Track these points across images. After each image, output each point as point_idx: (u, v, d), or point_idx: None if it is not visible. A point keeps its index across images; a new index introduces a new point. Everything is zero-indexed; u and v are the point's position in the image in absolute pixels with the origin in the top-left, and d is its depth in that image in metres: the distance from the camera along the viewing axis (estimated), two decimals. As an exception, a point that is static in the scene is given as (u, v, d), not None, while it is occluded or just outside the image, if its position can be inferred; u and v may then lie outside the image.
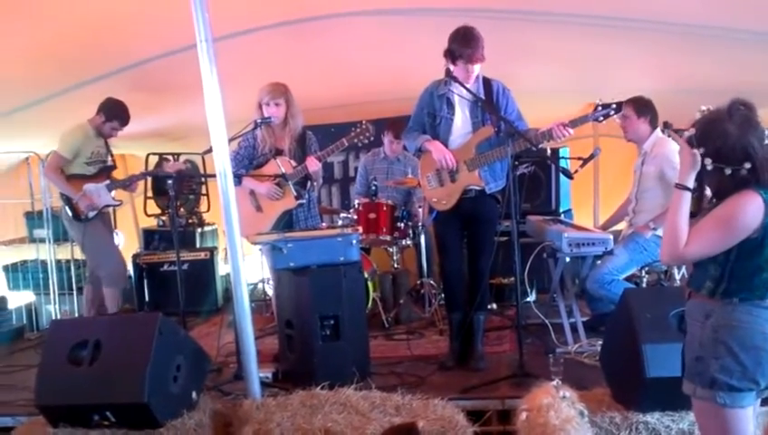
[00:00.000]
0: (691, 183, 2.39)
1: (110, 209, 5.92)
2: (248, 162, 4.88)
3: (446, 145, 4.42)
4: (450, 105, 4.44)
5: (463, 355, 4.56)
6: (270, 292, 5.74)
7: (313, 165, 4.72)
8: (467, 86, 4.31)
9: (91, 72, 5.42)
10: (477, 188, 4.42)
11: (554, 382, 3.28)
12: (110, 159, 5.69)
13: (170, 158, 6.68)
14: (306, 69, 5.95)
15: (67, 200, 5.45)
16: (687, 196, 2.39)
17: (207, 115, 3.70)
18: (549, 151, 5.73)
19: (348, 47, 5.77)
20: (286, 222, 4.91)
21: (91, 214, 5.46)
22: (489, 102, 4.36)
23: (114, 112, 5.50)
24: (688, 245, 2.34)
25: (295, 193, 4.75)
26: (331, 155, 4.98)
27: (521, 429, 3.14)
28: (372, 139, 4.97)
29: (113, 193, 5.57)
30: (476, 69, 4.30)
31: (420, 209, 5.94)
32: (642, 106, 4.96)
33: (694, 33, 4.86)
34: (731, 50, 5.17)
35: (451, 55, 4.28)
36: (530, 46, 5.56)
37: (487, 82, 4.43)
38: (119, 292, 5.69)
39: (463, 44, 4.22)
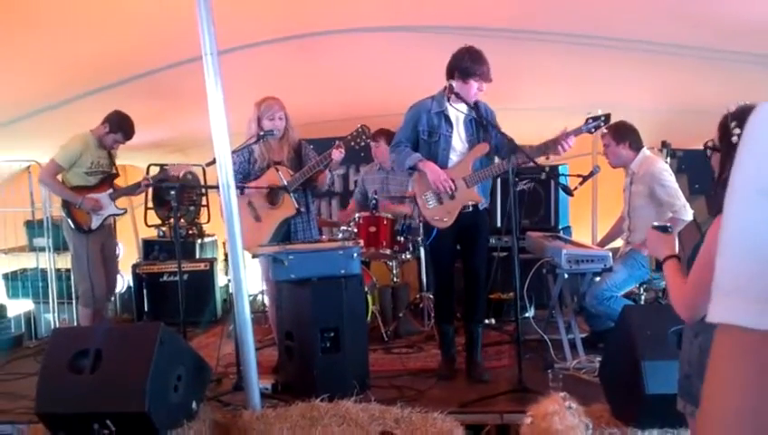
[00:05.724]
0: (674, 251, 2.39)
1: (112, 221, 5.93)
2: (242, 177, 4.80)
3: (445, 163, 4.46)
4: (449, 122, 4.46)
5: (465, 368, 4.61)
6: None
7: (338, 154, 4.71)
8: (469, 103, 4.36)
9: (93, 82, 5.45)
10: (474, 203, 4.46)
11: (562, 394, 3.29)
12: (113, 169, 5.70)
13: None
14: (308, 83, 5.99)
15: (68, 212, 5.45)
16: (673, 263, 2.37)
17: (211, 127, 3.73)
18: (547, 168, 5.76)
19: (349, 62, 5.82)
20: (284, 233, 4.89)
21: (95, 224, 5.46)
22: (487, 121, 4.41)
23: (119, 125, 5.49)
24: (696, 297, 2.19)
25: (295, 203, 4.75)
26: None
27: (524, 433, 3.16)
28: (369, 141, 5.03)
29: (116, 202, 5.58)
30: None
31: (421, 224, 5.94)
32: (620, 133, 5.00)
33: (694, 54, 4.91)
34: (729, 71, 5.23)
35: (463, 73, 4.31)
36: (532, 65, 5.61)
37: (474, 102, 4.45)
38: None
39: (478, 63, 4.29)
